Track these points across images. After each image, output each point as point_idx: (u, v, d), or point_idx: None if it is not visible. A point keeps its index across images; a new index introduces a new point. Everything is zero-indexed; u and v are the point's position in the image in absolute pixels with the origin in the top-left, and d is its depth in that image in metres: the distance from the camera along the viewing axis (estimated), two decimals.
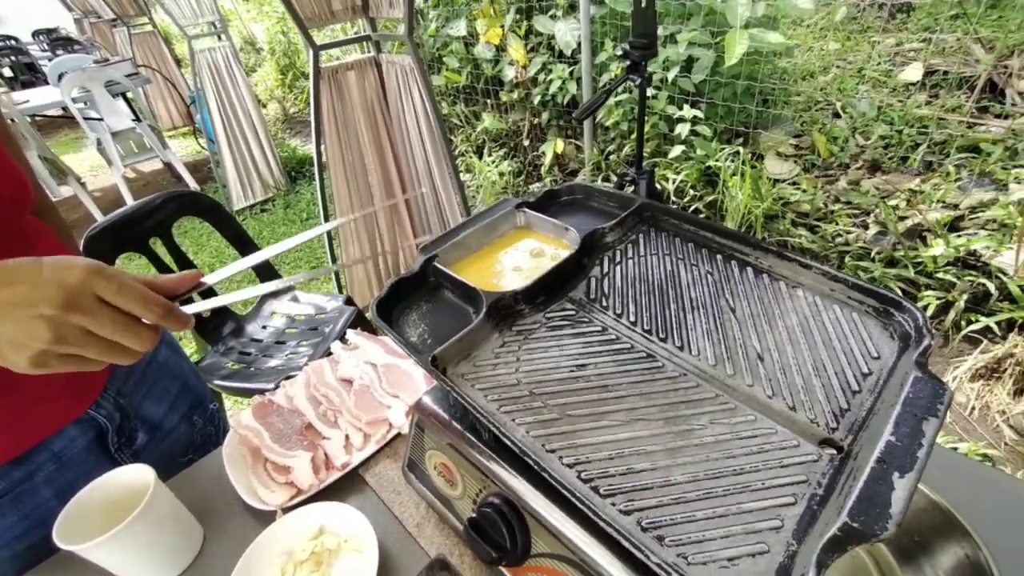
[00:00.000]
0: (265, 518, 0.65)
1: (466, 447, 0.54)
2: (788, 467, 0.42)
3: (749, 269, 0.61)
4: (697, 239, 0.66)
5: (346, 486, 0.69)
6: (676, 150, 2.51)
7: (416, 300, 0.63)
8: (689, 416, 0.47)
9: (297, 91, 5.87)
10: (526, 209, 0.73)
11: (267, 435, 0.72)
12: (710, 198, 2.46)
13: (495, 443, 0.53)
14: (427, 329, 0.58)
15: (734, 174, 2.36)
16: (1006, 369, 1.69)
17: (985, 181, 2.29)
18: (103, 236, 1.36)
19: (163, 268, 1.58)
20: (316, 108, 2.03)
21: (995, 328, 1.81)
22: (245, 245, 1.73)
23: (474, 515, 0.50)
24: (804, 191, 2.42)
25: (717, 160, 2.43)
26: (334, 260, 2.23)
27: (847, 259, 2.15)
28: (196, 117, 3.91)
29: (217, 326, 1.69)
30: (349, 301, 1.77)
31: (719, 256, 0.63)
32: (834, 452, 0.43)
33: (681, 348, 0.53)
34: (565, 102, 3.03)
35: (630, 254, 0.66)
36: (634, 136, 2.68)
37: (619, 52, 1.55)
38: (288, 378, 0.82)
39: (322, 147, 2.07)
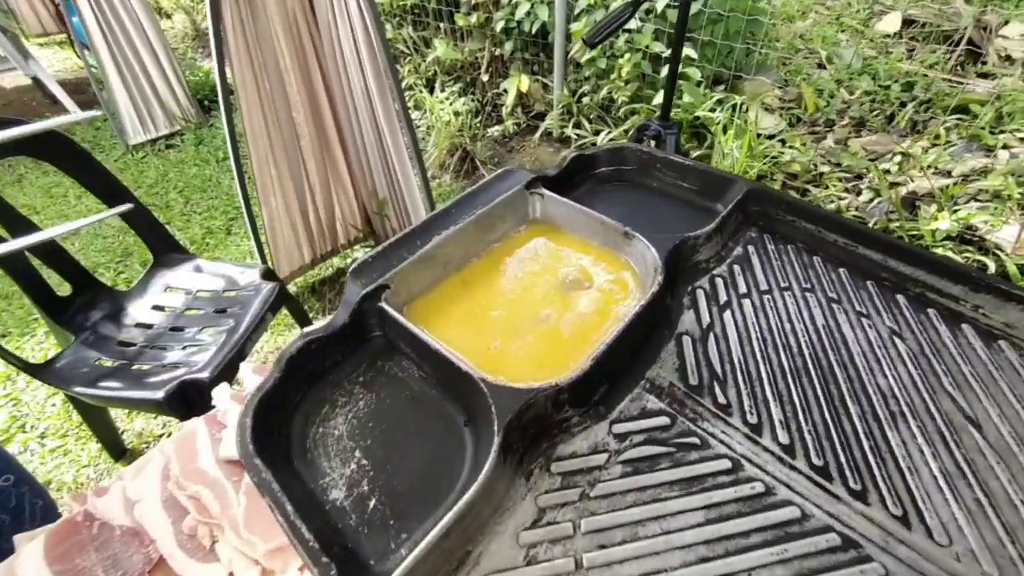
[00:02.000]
0: None
1: None
2: None
3: (968, 328, 0.33)
4: (853, 261, 0.37)
5: None
6: (661, 96, 2.19)
7: (344, 385, 0.31)
8: None
9: None
10: (544, 190, 0.41)
11: None
12: (697, 153, 2.19)
13: None
14: (367, 469, 0.27)
15: (725, 129, 2.09)
16: None
17: (974, 146, 2.17)
18: None
19: None
20: (215, 18, 1.52)
21: None
22: (120, 199, 1.29)
23: None
24: (795, 149, 2.21)
25: (706, 109, 2.14)
26: (251, 217, 1.79)
27: None
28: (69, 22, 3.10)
29: (83, 307, 1.27)
30: (268, 274, 1.39)
31: (901, 298, 0.35)
32: None
33: (905, 522, 0.26)
34: (533, 30, 2.59)
35: (743, 287, 0.36)
36: (615, 77, 2.33)
37: None
38: (173, 399, 0.49)
39: (228, 70, 1.58)
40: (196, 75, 3.72)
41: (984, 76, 2.62)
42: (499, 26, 2.71)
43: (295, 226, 1.94)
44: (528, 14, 2.52)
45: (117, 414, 1.55)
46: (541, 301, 0.35)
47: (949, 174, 2.06)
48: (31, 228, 1.14)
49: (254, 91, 1.64)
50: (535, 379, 0.29)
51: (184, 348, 1.23)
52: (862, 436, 0.29)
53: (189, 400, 1.07)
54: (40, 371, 1.10)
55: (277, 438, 0.29)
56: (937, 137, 2.20)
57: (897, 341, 0.33)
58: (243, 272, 1.42)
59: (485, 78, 3.02)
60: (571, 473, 0.27)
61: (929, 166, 2.09)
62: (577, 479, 0.27)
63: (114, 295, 1.32)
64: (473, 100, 3.00)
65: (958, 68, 2.78)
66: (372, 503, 0.26)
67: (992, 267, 1.70)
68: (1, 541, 0.59)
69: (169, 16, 5.15)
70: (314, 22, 1.75)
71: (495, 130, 2.88)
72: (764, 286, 0.37)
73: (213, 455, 0.51)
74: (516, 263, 0.38)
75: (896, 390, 0.31)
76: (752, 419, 0.30)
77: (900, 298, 0.36)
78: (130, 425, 1.56)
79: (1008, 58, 2.72)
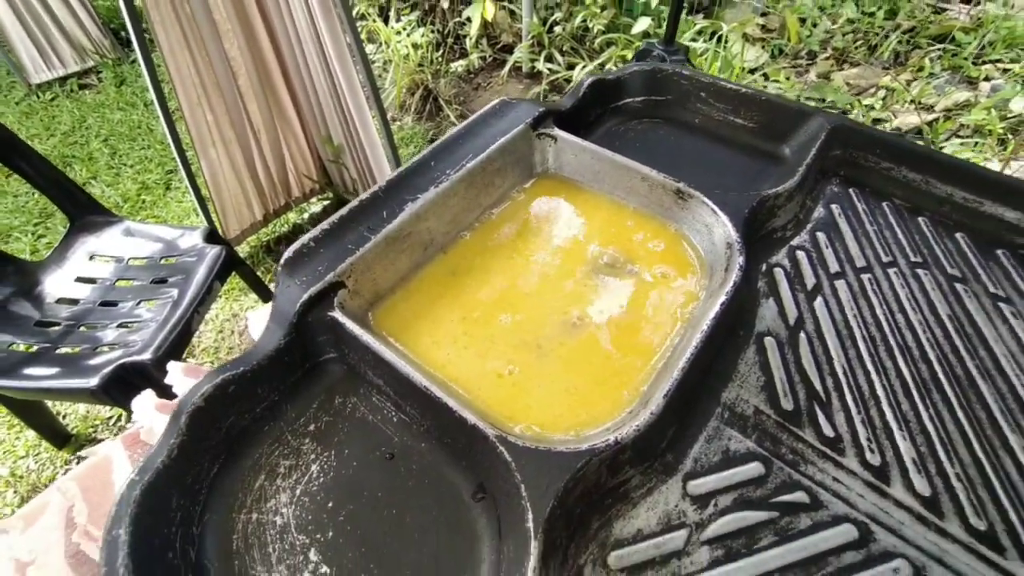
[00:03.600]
0: None
1: None
2: None
3: None
4: (971, 220, 0.28)
5: None
6: (641, 23, 2.01)
7: (280, 446, 0.20)
8: None
9: None
10: (556, 131, 0.30)
11: None
12: None
13: None
14: None
15: (704, 59, 1.95)
16: None
17: (956, 78, 2.11)
18: None
19: None
20: None
21: None
22: (8, 151, 1.08)
23: None
24: (779, 83, 2.09)
25: (687, 39, 1.99)
26: (188, 171, 1.57)
27: None
28: None
29: None
30: (212, 237, 1.23)
31: None
32: None
33: None
34: None
35: (833, 264, 0.27)
36: (591, 3, 2.11)
37: None
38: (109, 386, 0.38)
39: None
40: (104, 0, 3.22)
41: (967, 1, 2.52)
42: None
43: (241, 179, 1.73)
44: None
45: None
46: (568, 297, 0.25)
47: (932, 108, 2.01)
48: None
49: (171, 16, 1.38)
50: (574, 423, 0.19)
51: (119, 326, 1.08)
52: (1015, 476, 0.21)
53: (129, 386, 0.94)
54: None
55: (177, 555, 0.18)
56: (920, 69, 2.12)
57: None
58: (182, 235, 1.24)
59: (445, 5, 2.72)
60: (639, 567, 0.18)
61: (913, 100, 2.02)
62: (637, 560, 0.18)
63: (24, 267, 1.13)
64: (433, 31, 2.71)
65: None
66: None
67: None
68: None
69: None
70: None
71: (459, 65, 2.63)
72: (861, 262, 0.27)
73: None
74: (524, 239, 0.27)
75: None
76: (873, 458, 0.21)
77: None
78: (72, 408, 1.42)
79: None
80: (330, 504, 0.20)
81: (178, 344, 1.03)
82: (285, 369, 0.22)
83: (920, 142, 1.79)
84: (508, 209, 0.29)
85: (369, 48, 2.81)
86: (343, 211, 0.25)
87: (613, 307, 0.24)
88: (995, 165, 1.70)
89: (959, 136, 1.89)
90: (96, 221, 1.23)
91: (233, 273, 1.28)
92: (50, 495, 0.40)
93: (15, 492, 1.27)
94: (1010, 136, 1.77)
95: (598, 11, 2.20)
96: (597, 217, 0.28)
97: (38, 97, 2.56)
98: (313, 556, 0.19)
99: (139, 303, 1.13)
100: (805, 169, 0.28)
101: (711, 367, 0.24)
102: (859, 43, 2.42)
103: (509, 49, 2.58)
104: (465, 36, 2.65)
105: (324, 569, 0.18)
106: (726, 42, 2.26)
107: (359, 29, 2.80)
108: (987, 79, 2.04)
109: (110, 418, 1.40)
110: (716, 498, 0.21)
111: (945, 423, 0.23)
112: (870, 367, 0.25)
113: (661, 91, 0.34)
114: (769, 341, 0.25)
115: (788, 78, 2.17)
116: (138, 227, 1.26)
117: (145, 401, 0.46)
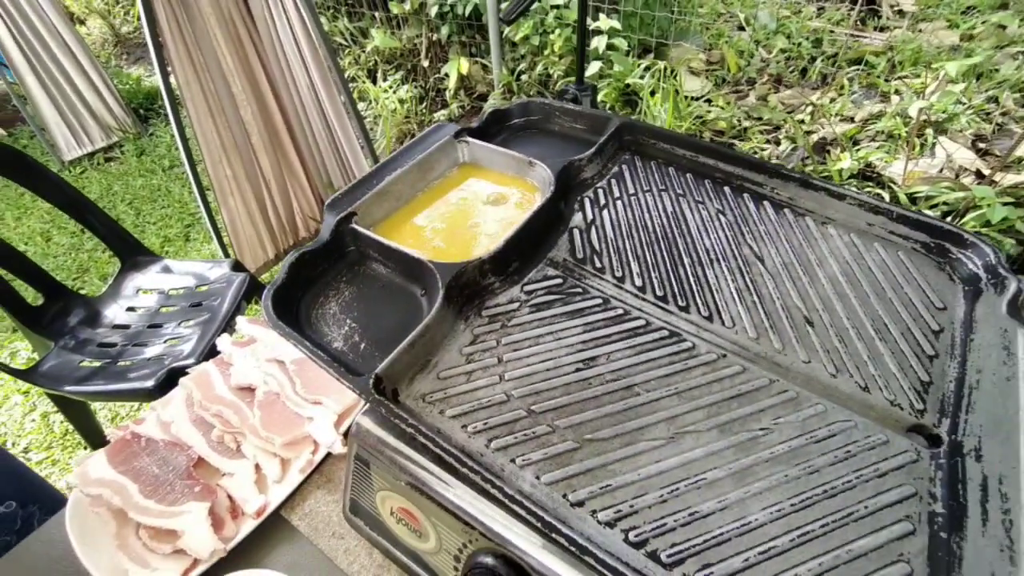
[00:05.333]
0: None
1: (437, 488, 0.38)
2: (887, 475, 0.32)
3: (767, 203, 0.48)
4: (696, 167, 0.52)
5: (267, 539, 0.51)
6: (593, 67, 2.33)
7: (333, 284, 0.43)
8: (746, 418, 0.34)
9: (125, 2, 4.69)
10: (469, 138, 0.54)
11: (135, 488, 0.51)
12: (632, 118, 2.35)
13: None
14: (357, 328, 0.40)
15: (653, 93, 2.25)
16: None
17: (872, 93, 2.41)
18: None
19: None
20: (151, 23, 1.55)
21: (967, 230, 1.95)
22: (80, 208, 1.33)
23: None
24: (720, 108, 2.40)
25: (635, 77, 2.30)
26: (211, 216, 1.83)
27: None
28: None
29: (58, 315, 1.31)
30: (238, 266, 1.46)
31: (727, 188, 0.50)
32: (928, 443, 0.33)
33: (710, 319, 0.40)
34: (467, 13, 2.67)
35: (617, 192, 0.50)
36: (549, 53, 2.45)
37: None
38: (161, 386, 0.59)
39: (171, 76, 1.61)
40: (126, 83, 3.60)
41: (881, 30, 2.88)
42: (433, 11, 2.77)
43: (255, 223, 1.99)
44: None
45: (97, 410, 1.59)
46: (470, 214, 0.48)
47: (852, 120, 2.29)
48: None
49: (199, 93, 1.68)
50: (467, 258, 0.42)
51: (165, 342, 1.30)
52: (690, 276, 0.43)
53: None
54: (30, 375, 1.16)
55: (289, 317, 0.40)
56: (842, 87, 2.43)
57: (720, 216, 0.48)
58: (212, 268, 1.48)
59: (426, 64, 3.08)
60: (495, 314, 0.40)
61: (836, 114, 2.31)
62: (499, 316, 0.40)
63: (87, 301, 1.37)
64: (416, 87, 3.06)
65: (859, 23, 3.03)
66: (362, 346, 0.38)
67: (887, 197, 1.93)
68: None
69: (83, 22, 4.89)
70: (250, 19, 1.79)
71: (441, 114, 2.95)
72: (632, 191, 0.50)
73: (227, 384, 0.62)
74: (451, 193, 0.51)
75: (715, 246, 0.45)
76: (619, 274, 0.44)
77: (726, 189, 0.50)
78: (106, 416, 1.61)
79: (900, 12, 2.99)
80: (354, 304, 0.42)
81: (213, 352, 1.25)
82: (329, 253, 0.44)
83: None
84: (443, 181, 0.52)
85: (361, 105, 3.15)
86: (354, 181, 0.48)
87: (494, 218, 0.47)
88: (902, 162, 1.96)
89: (875, 141, 2.17)
90: (141, 261, 1.47)
91: (254, 299, 1.50)
92: (177, 391, 0.61)
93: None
94: (915, 138, 2.04)
95: (556, 59, 2.53)
96: (491, 180, 0.52)
97: (70, 171, 2.86)
98: (347, 322, 0.41)
99: (180, 323, 1.35)
100: (598, 145, 0.52)
101: (542, 244, 0.46)
102: (792, 69, 2.75)
103: (484, 97, 2.90)
104: (445, 89, 2.99)
105: (353, 325, 0.40)
106: (674, 76, 2.58)
107: (351, 90, 3.15)
108: (897, 92, 2.34)
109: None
110: (536, 291, 0.43)
111: (656, 256, 0.45)
112: (625, 237, 0.47)
113: (532, 114, 0.58)
114: (575, 231, 0.48)
115: (729, 103, 2.48)
116: (175, 264, 1.50)
117: (225, 340, 0.68)
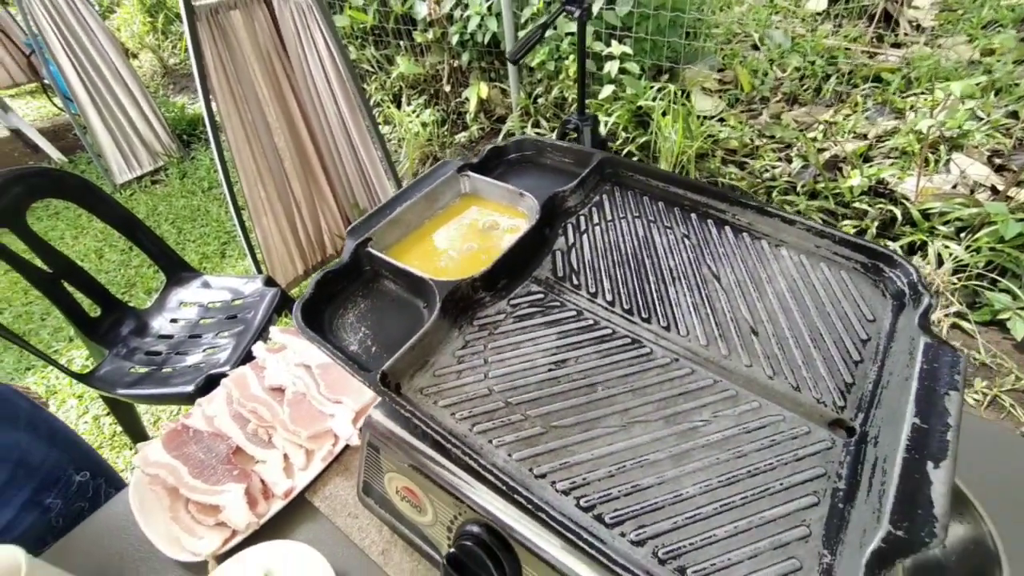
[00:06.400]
0: (196, 571, 0.55)
1: (433, 469, 0.45)
2: (803, 459, 0.38)
3: (728, 228, 0.55)
4: (668, 196, 0.59)
5: (292, 517, 0.59)
6: (606, 90, 2.42)
7: (351, 298, 0.51)
8: (690, 411, 0.41)
9: (173, 37, 5.05)
10: (470, 173, 0.62)
11: (185, 470, 0.60)
12: (643, 140, 2.42)
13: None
14: (370, 334, 0.48)
15: (665, 114, 2.32)
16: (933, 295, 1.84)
17: (886, 110, 2.43)
18: None
19: (21, 265, 1.29)
20: (198, 58, 1.71)
21: (899, 251, 1.95)
22: (132, 228, 1.47)
23: (452, 549, 0.43)
24: (732, 127, 2.44)
25: (647, 99, 2.37)
26: (245, 235, 1.97)
27: (775, 194, 2.22)
28: (42, 71, 3.24)
29: (113, 325, 1.45)
30: (270, 282, 1.58)
31: (694, 215, 0.57)
32: (845, 435, 0.39)
33: (668, 328, 0.47)
34: (486, 41, 2.81)
35: (596, 219, 0.58)
36: (563, 77, 2.55)
37: None
38: (200, 391, 0.69)
39: (213, 105, 1.77)
40: (171, 111, 3.88)
41: (897, 46, 2.89)
42: (455, 39, 2.92)
43: (286, 241, 2.12)
44: (479, 26, 2.73)
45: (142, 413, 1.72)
46: (469, 239, 0.56)
47: (865, 137, 2.31)
48: (63, 259, 1.33)
49: (238, 122, 1.83)
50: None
51: (204, 351, 1.42)
52: (654, 292, 0.50)
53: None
54: (88, 379, 1.29)
55: (316, 325, 0.49)
56: (856, 105, 2.45)
57: (685, 240, 0.54)
58: (247, 283, 1.61)
59: (447, 89, 3.23)
60: (484, 324, 0.48)
61: (849, 131, 2.33)
62: (487, 325, 0.48)
63: (137, 313, 1.50)
64: (438, 110, 3.21)
65: (875, 40, 3.04)
66: (373, 349, 0.47)
67: (899, 215, 1.94)
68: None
69: (135, 56, 5.27)
70: (285, 55, 1.95)
71: (462, 136, 3.08)
72: (609, 217, 0.58)
73: (261, 385, 0.71)
74: (454, 220, 0.60)
75: (679, 266, 0.52)
76: (592, 290, 0.51)
77: (693, 216, 0.57)
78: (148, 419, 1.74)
79: (918, 27, 2.99)
80: (368, 315, 0.50)
81: (247, 359, 1.35)
82: (349, 273, 0.53)
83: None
84: (447, 210, 0.61)
85: (385, 129, 3.31)
86: (370, 211, 0.57)
87: (488, 240, 0.55)
88: (914, 178, 1.97)
89: (889, 157, 2.18)
90: (184, 277, 1.61)
91: (284, 311, 1.62)
92: (219, 390, 0.71)
93: None
94: (929, 154, 2.05)
95: (571, 83, 2.63)
96: (488, 208, 0.60)
97: (120, 194, 3.09)
98: (362, 329, 0.49)
99: (217, 334, 1.47)
100: (581, 178, 0.59)
101: (529, 265, 0.54)
102: (806, 87, 2.78)
103: (502, 120, 3.02)
104: (465, 113, 3.12)
105: (367, 331, 0.49)
106: (688, 96, 2.64)
107: (376, 115, 3.32)
108: (912, 109, 2.35)
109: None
110: (521, 304, 0.51)
111: (626, 274, 0.52)
112: (601, 258, 0.54)
113: (526, 149, 0.66)
114: (558, 253, 0.55)
115: (741, 122, 2.53)
116: (214, 279, 1.63)
117: (260, 347, 0.78)
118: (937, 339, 0.40)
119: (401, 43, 3.26)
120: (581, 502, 0.36)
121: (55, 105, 4.20)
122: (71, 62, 2.86)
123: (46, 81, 3.44)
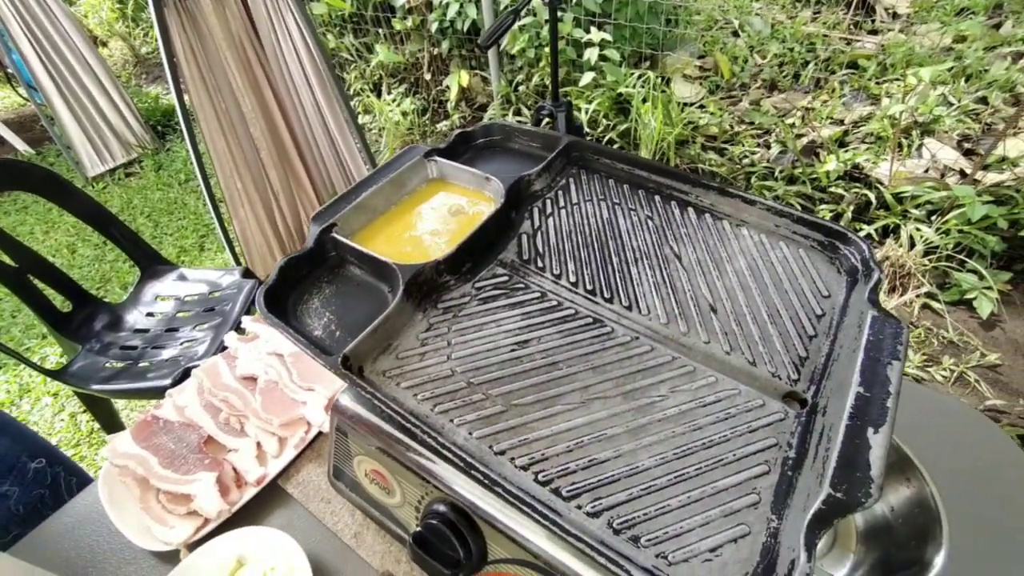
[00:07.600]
0: (168, 560, 0.55)
1: (400, 451, 0.46)
2: (757, 431, 0.39)
3: (691, 209, 0.55)
4: (632, 179, 0.59)
5: (265, 504, 0.59)
6: (586, 77, 2.41)
7: (315, 283, 0.51)
8: (648, 387, 0.42)
9: (144, 25, 4.89)
10: (437, 158, 0.62)
11: (155, 460, 0.60)
12: (623, 127, 2.42)
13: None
14: (334, 319, 0.48)
15: (645, 101, 2.32)
16: (883, 270, 1.88)
17: (862, 96, 2.46)
18: None
19: None
20: (167, 46, 1.67)
21: (874, 235, 1.99)
22: (103, 221, 1.44)
23: (419, 528, 0.43)
24: (712, 114, 2.46)
25: (628, 86, 2.37)
26: (223, 227, 1.94)
27: (753, 179, 2.24)
28: (5, 59, 3.13)
29: (85, 320, 1.42)
30: (248, 273, 1.56)
31: (658, 197, 0.57)
32: (799, 407, 0.40)
33: (629, 308, 0.48)
34: (466, 28, 2.77)
35: (562, 203, 0.58)
36: (544, 65, 2.53)
37: None
38: (178, 384, 0.68)
39: (185, 96, 1.73)
40: (144, 101, 3.77)
41: (874, 33, 2.92)
42: (434, 27, 2.88)
43: (265, 232, 2.09)
44: (459, 13, 2.70)
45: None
46: (435, 223, 0.56)
47: (842, 122, 2.34)
48: (30, 253, 1.29)
49: (212, 112, 1.79)
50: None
51: (181, 344, 1.40)
52: (617, 273, 0.51)
53: None
54: (61, 375, 1.26)
55: (279, 310, 0.49)
56: (833, 91, 2.48)
57: (648, 221, 0.55)
58: (224, 275, 1.58)
59: (428, 77, 3.19)
60: (448, 307, 0.48)
61: (827, 117, 2.36)
62: (452, 308, 0.48)
63: (111, 308, 1.47)
64: (419, 99, 3.17)
65: (853, 27, 3.07)
66: (337, 334, 0.47)
67: (874, 199, 1.98)
68: (44, 509, 0.75)
69: (105, 44, 5.10)
70: (258, 41, 1.91)
71: (443, 125, 3.06)
72: (575, 200, 0.58)
73: (232, 375, 0.70)
74: (421, 205, 0.59)
75: (641, 247, 0.53)
76: (556, 272, 0.51)
77: (656, 198, 0.57)
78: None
79: (894, 15, 3.03)
80: (333, 299, 0.50)
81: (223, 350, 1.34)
82: (313, 258, 0.53)
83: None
84: (413, 195, 0.61)
85: (365, 118, 3.27)
86: (335, 197, 0.57)
87: (456, 227, 0.56)
88: (888, 162, 2.00)
89: (865, 143, 2.22)
90: (159, 270, 1.58)
91: None
92: (190, 380, 0.70)
93: None
94: (902, 139, 2.09)
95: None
96: (456, 193, 0.60)
97: (93, 187, 3.01)
98: (326, 314, 0.49)
99: (194, 327, 1.45)
100: (547, 162, 0.59)
101: (494, 248, 0.54)
102: (785, 74, 2.80)
103: (484, 108, 3.00)
104: (446, 101, 3.09)
105: (331, 316, 0.49)
106: (668, 83, 2.65)
107: (356, 105, 3.27)
108: (887, 95, 2.39)
109: None
110: (485, 287, 0.51)
111: (590, 256, 0.52)
112: (566, 240, 0.55)
113: (493, 135, 0.66)
114: (524, 236, 0.55)
115: (721, 108, 2.54)
116: (190, 272, 1.60)
117: (232, 336, 0.77)
118: (883, 312, 0.41)
119: (380, 31, 3.21)
120: (539, 476, 0.37)
121: (19, 95, 4.06)
122: (34, 50, 2.77)
123: (9, 70, 3.32)
